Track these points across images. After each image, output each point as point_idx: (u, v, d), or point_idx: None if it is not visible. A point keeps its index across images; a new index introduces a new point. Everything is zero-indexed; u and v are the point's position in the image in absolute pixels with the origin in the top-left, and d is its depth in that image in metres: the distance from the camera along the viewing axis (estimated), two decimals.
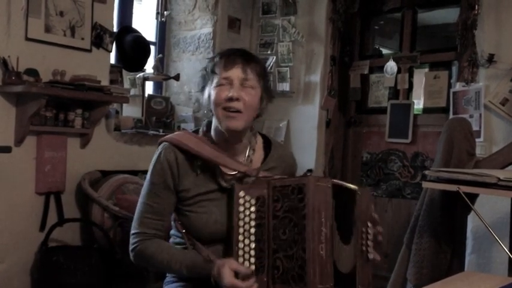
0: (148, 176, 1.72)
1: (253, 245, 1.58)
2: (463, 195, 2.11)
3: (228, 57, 1.66)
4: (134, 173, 3.58)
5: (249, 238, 1.58)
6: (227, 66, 1.64)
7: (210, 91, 1.67)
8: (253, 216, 1.58)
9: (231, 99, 1.61)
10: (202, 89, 1.73)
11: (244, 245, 1.58)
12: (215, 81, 1.65)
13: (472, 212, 2.57)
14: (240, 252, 1.58)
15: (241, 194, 1.59)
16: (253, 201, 1.59)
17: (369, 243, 1.65)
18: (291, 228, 1.56)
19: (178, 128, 4.14)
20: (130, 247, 1.70)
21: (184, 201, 1.68)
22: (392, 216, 4.10)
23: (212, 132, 1.73)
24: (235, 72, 1.63)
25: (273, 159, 1.79)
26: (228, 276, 1.52)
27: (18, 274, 3.12)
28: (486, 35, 3.47)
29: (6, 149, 2.92)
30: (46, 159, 3.18)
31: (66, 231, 3.24)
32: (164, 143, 1.71)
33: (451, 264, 2.69)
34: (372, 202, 1.71)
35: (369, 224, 1.66)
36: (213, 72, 1.67)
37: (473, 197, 2.41)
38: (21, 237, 3.12)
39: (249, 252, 1.58)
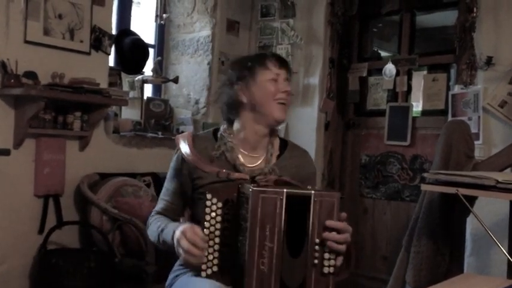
0: (171, 164, 1.90)
1: (217, 247, 1.60)
2: (462, 198, 2.11)
3: (278, 57, 1.87)
4: (133, 175, 3.58)
5: (213, 240, 1.60)
6: (279, 65, 1.82)
7: (259, 85, 1.80)
8: (218, 219, 1.60)
9: (286, 93, 1.81)
10: (233, 85, 1.84)
11: (209, 246, 1.60)
12: (267, 75, 1.80)
13: (471, 215, 2.57)
14: (206, 253, 1.59)
15: (209, 196, 1.61)
16: (219, 205, 1.61)
17: (326, 255, 1.55)
18: (242, 235, 1.58)
19: (177, 130, 4.14)
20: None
21: (197, 189, 1.79)
22: (391, 218, 4.10)
23: (237, 128, 1.86)
24: (284, 72, 1.83)
25: (286, 160, 1.88)
26: (184, 227, 1.59)
27: (17, 277, 3.11)
28: (484, 37, 3.47)
29: (5, 152, 2.91)
30: (45, 161, 3.17)
31: (65, 234, 3.24)
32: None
33: (450, 266, 2.69)
34: (336, 208, 1.58)
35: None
36: (261, 65, 1.81)
37: (472, 200, 2.41)
38: (20, 240, 3.12)
39: (213, 254, 1.61)
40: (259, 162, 1.84)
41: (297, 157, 1.91)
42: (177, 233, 1.59)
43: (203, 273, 1.60)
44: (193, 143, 1.82)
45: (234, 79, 1.84)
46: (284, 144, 1.93)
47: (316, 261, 1.54)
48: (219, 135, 1.86)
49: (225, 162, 1.80)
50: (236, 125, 1.86)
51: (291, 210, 1.54)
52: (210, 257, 1.61)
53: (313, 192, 1.56)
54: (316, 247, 1.54)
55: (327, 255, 1.54)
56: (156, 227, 1.77)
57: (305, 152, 1.97)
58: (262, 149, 1.86)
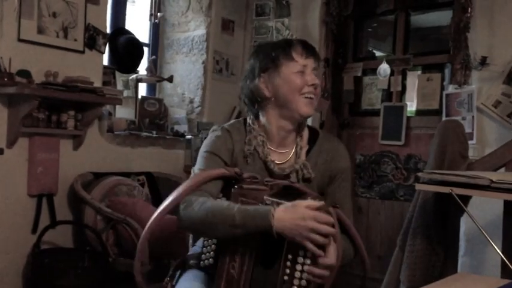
0: (205, 148, 1.72)
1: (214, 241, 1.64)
2: (456, 197, 2.11)
3: (304, 45, 1.70)
4: (127, 174, 3.57)
5: None
6: (306, 54, 1.68)
7: (284, 77, 1.67)
8: None
9: (314, 86, 1.67)
10: (256, 77, 1.71)
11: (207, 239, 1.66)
12: (293, 67, 1.67)
13: (465, 214, 2.57)
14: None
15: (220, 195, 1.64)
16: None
17: (297, 274, 1.46)
18: None
19: (172, 129, 4.13)
20: (180, 208, 1.56)
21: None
22: (385, 218, 4.11)
23: (264, 122, 1.74)
24: (311, 61, 1.69)
25: (316, 153, 1.75)
26: (303, 204, 1.44)
27: (10, 276, 3.09)
28: (479, 37, 3.48)
29: None
30: (38, 161, 3.16)
31: (58, 233, 3.23)
32: (220, 126, 1.77)
33: (444, 266, 2.69)
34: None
35: (303, 252, 1.46)
36: (290, 57, 1.67)
37: (466, 199, 2.42)
38: (13, 239, 3.10)
39: (210, 246, 1.63)
40: (289, 158, 1.72)
41: (327, 151, 1.75)
42: (301, 217, 1.42)
43: (202, 263, 1.62)
44: (231, 138, 1.71)
45: (256, 71, 1.71)
46: (314, 135, 1.79)
47: (286, 277, 1.47)
48: (247, 129, 1.74)
49: (257, 159, 1.70)
50: (262, 119, 1.74)
51: None
52: (208, 249, 1.61)
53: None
54: (288, 263, 1.46)
55: (297, 274, 1.46)
56: (221, 207, 1.51)
57: (337, 144, 1.81)
58: (291, 144, 1.74)
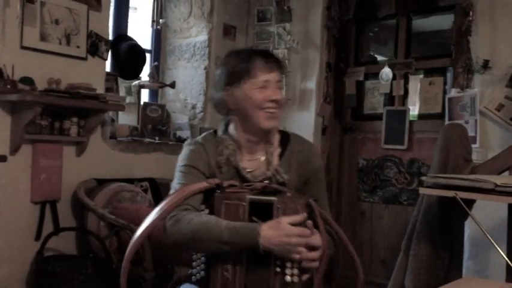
0: (182, 162, 1.73)
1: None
2: (460, 201, 2.10)
3: (267, 60, 1.71)
4: (130, 181, 3.56)
5: None
6: (267, 69, 1.69)
7: (245, 93, 1.69)
8: None
9: (274, 102, 1.68)
10: (221, 89, 1.74)
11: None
12: (254, 83, 1.68)
13: (469, 218, 2.57)
14: None
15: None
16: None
17: (288, 263, 1.51)
18: None
19: (174, 135, 4.14)
20: (167, 223, 1.58)
21: None
22: (389, 222, 4.10)
23: (233, 132, 1.77)
24: (274, 76, 1.70)
25: (289, 156, 1.77)
26: (286, 220, 1.50)
27: (14, 283, 3.09)
28: (481, 41, 3.48)
29: (2, 158, 2.91)
30: (41, 167, 3.16)
31: (62, 240, 3.22)
32: (193, 140, 1.81)
33: (448, 270, 2.69)
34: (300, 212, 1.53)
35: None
36: (248, 74, 1.69)
37: (470, 203, 2.41)
38: (16, 246, 3.10)
39: (200, 259, 1.64)
40: (260, 165, 1.75)
41: (299, 152, 1.78)
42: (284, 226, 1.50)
43: (193, 278, 1.63)
44: (205, 150, 1.74)
45: (221, 83, 1.74)
46: (285, 138, 1.81)
47: (278, 269, 1.51)
48: (218, 140, 1.77)
49: (230, 168, 1.72)
50: (230, 129, 1.78)
51: (258, 217, 1.52)
52: (198, 262, 1.63)
53: (275, 199, 1.53)
54: (278, 261, 1.52)
55: (289, 264, 1.51)
56: (206, 223, 1.54)
57: (309, 145, 1.86)
58: (261, 151, 1.76)
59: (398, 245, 3.02)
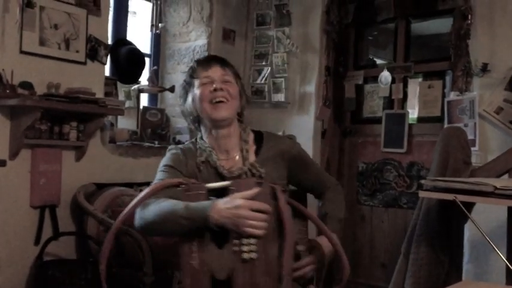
0: (162, 163, 1.88)
1: None
2: (460, 204, 2.10)
3: (205, 60, 1.90)
4: (130, 185, 3.56)
5: None
6: (206, 68, 1.85)
7: (194, 94, 1.85)
8: None
9: (215, 90, 1.80)
10: (184, 101, 1.91)
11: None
12: (197, 83, 1.85)
13: (469, 221, 2.57)
14: None
15: None
16: None
17: (244, 240, 1.56)
18: None
19: (174, 139, 4.13)
20: (137, 211, 1.71)
21: None
22: (389, 226, 4.10)
23: (204, 136, 1.91)
24: (215, 71, 1.84)
25: (264, 152, 1.88)
26: (234, 199, 1.56)
27: None
28: (479, 44, 3.49)
29: (1, 163, 2.91)
30: (41, 172, 3.16)
31: (61, 245, 3.22)
32: (174, 146, 1.96)
33: (448, 273, 2.68)
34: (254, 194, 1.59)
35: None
36: (192, 77, 1.87)
37: (470, 206, 2.41)
38: (16, 251, 3.09)
39: None
40: (236, 163, 1.85)
41: (275, 146, 1.90)
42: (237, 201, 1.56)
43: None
44: (184, 154, 1.87)
45: (181, 96, 1.93)
46: (259, 136, 1.93)
47: (236, 248, 1.56)
48: (197, 145, 1.90)
49: (209, 168, 1.83)
50: (203, 134, 1.92)
51: None
52: None
53: (229, 183, 1.63)
54: (234, 234, 1.56)
55: (244, 241, 1.55)
56: (172, 203, 1.65)
57: (281, 138, 2.00)
58: (236, 149, 1.87)
59: (398, 249, 3.02)
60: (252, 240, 1.54)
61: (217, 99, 1.80)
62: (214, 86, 1.80)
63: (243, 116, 1.95)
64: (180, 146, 1.95)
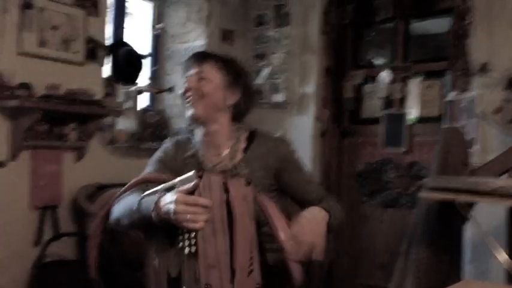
0: (153, 156, 1.94)
1: None
2: (460, 204, 2.11)
3: (188, 59, 1.92)
4: None
5: None
6: (188, 67, 1.89)
7: None
8: None
9: (186, 91, 1.84)
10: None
11: None
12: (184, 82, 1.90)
13: (469, 221, 2.57)
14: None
15: None
16: None
17: (186, 235, 1.52)
18: None
19: None
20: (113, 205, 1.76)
21: None
22: (389, 226, 4.10)
23: (198, 130, 1.93)
24: (193, 70, 1.86)
25: (252, 150, 1.88)
26: (174, 194, 1.51)
27: None
28: (478, 43, 3.49)
29: (1, 164, 2.91)
30: (41, 173, 3.16)
31: (62, 245, 3.22)
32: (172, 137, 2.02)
33: (449, 273, 2.69)
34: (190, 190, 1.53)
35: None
36: (184, 75, 1.91)
37: (470, 206, 2.41)
38: (16, 252, 3.09)
39: None
40: (224, 160, 1.86)
41: (264, 145, 1.89)
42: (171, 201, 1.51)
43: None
44: (177, 146, 1.92)
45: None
46: (253, 134, 1.93)
47: (180, 243, 1.53)
48: (192, 139, 1.94)
49: (195, 162, 1.86)
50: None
51: None
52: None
53: (191, 174, 1.55)
54: (178, 230, 1.53)
55: (186, 235, 1.52)
56: (133, 198, 1.67)
57: (273, 138, 1.95)
58: (226, 146, 1.88)
59: (398, 249, 3.02)
60: (192, 234, 1.50)
61: (188, 99, 1.84)
62: (184, 85, 1.86)
63: (236, 110, 1.91)
64: (176, 137, 1.99)
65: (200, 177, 1.52)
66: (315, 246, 1.63)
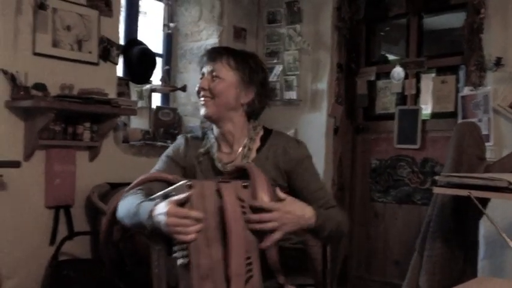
0: (165, 152, 1.94)
1: None
2: (475, 200, 2.09)
3: (203, 55, 1.90)
4: None
5: None
6: (202, 64, 1.88)
7: None
8: None
9: (199, 91, 1.84)
10: None
11: None
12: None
13: (483, 217, 2.55)
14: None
15: None
16: None
17: (178, 247, 1.48)
18: None
19: None
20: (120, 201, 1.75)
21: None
22: (403, 222, 4.07)
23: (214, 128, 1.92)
24: (207, 66, 1.85)
25: (266, 150, 1.85)
26: (166, 205, 1.47)
27: None
28: (493, 38, 3.45)
29: (16, 164, 2.93)
30: (55, 173, 3.19)
31: (76, 244, 3.25)
32: (184, 134, 2.01)
33: (463, 270, 2.67)
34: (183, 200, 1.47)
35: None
36: (200, 68, 1.90)
37: (484, 202, 2.39)
38: (31, 251, 3.13)
39: None
40: (237, 158, 1.83)
41: (277, 145, 1.85)
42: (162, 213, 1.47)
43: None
44: (188, 144, 1.91)
45: None
46: (267, 134, 1.90)
47: (175, 254, 1.50)
48: (206, 136, 1.92)
49: (208, 159, 1.86)
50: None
51: None
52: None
53: (184, 182, 1.51)
54: (173, 241, 1.49)
55: (178, 247, 1.48)
56: (134, 199, 1.66)
57: (288, 138, 1.91)
58: (240, 144, 1.86)
59: (412, 245, 3.00)
60: (185, 246, 1.46)
61: (201, 99, 1.84)
62: (199, 86, 1.84)
63: (251, 108, 1.87)
64: (188, 135, 1.98)
65: (190, 187, 1.47)
66: (277, 229, 1.52)
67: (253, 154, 1.84)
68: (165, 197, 1.52)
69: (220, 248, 1.47)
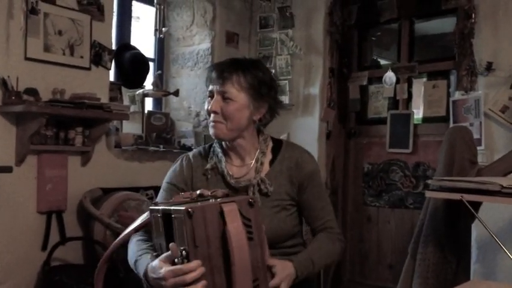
0: (165, 179, 1.88)
1: None
2: (467, 204, 2.09)
3: (212, 71, 1.78)
4: (136, 189, 3.57)
5: None
6: (211, 80, 1.77)
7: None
8: None
9: (210, 112, 1.76)
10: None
11: None
12: (207, 93, 1.81)
13: (476, 221, 2.56)
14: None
15: None
16: None
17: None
18: None
19: (179, 143, 4.14)
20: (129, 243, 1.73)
21: None
22: (395, 226, 4.09)
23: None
24: (215, 87, 1.76)
25: (279, 162, 1.83)
26: (159, 267, 1.43)
27: None
28: (484, 43, 3.48)
29: (7, 169, 2.91)
30: (47, 178, 3.17)
31: (68, 250, 3.23)
32: (183, 155, 1.93)
33: (456, 273, 2.67)
34: (186, 225, 1.40)
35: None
36: (206, 85, 1.82)
37: (476, 205, 2.40)
38: (23, 256, 3.10)
39: None
40: (248, 172, 1.80)
41: (290, 158, 1.83)
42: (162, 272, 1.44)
43: None
44: (190, 164, 1.85)
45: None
46: (278, 145, 1.87)
47: None
48: (212, 149, 1.88)
49: (217, 174, 1.82)
50: None
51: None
52: None
53: (172, 208, 1.43)
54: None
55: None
56: (133, 251, 1.66)
57: (300, 151, 1.87)
58: (251, 156, 1.82)
59: (405, 249, 3.01)
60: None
61: (210, 120, 1.77)
62: (209, 107, 1.75)
63: (262, 122, 1.83)
64: (190, 153, 1.91)
65: (190, 216, 1.38)
66: None
67: (266, 167, 1.81)
68: (167, 216, 1.44)
69: (225, 276, 1.43)
